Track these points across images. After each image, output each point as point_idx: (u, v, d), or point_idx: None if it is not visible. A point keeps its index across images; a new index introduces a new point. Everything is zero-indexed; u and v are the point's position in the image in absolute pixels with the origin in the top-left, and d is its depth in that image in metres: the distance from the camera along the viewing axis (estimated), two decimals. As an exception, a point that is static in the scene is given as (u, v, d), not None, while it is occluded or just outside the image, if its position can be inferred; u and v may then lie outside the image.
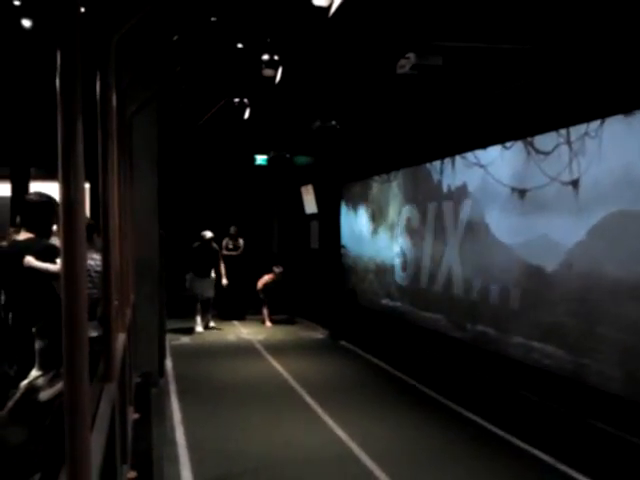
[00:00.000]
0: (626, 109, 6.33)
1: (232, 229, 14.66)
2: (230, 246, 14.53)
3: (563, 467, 5.61)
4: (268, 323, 13.78)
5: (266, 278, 13.95)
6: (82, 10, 2.13)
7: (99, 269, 3.98)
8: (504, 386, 7.83)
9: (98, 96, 3.70)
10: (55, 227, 4.67)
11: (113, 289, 3.71)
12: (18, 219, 5.12)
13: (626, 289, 6.26)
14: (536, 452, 5.97)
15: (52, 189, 5.24)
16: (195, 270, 13.16)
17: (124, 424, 4.34)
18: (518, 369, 7.90)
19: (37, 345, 4.06)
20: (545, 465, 5.70)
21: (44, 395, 3.77)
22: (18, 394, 3.58)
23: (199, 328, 13.03)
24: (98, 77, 3.69)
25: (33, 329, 4.16)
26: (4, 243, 5.06)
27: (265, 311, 13.84)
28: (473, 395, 7.79)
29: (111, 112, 3.91)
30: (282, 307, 14.31)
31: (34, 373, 4.02)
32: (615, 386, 6.40)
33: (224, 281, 13.41)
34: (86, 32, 2.25)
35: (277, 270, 14.00)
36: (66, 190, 1.94)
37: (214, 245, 13.50)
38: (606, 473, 5.44)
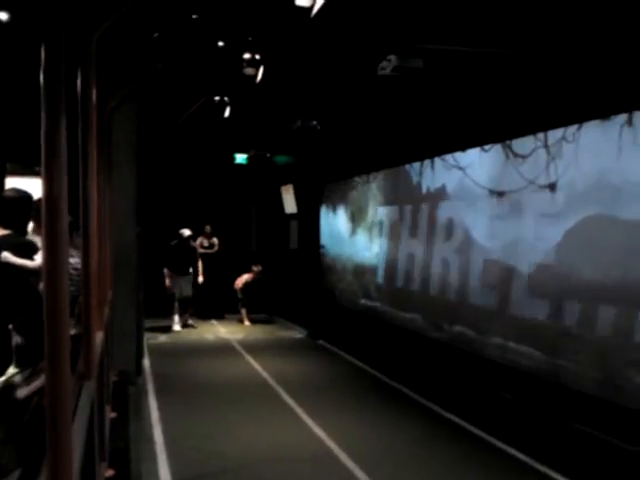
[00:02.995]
0: (603, 114, 6.43)
1: (207, 228, 14.63)
2: (205, 244, 14.49)
3: (541, 467, 5.68)
4: (247, 322, 13.76)
5: (245, 277, 13.93)
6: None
7: (79, 266, 3.95)
8: (481, 385, 7.90)
9: (79, 92, 3.68)
10: (31, 224, 4.63)
11: (93, 287, 3.69)
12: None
13: (601, 291, 6.35)
14: (513, 451, 6.05)
15: (28, 184, 5.19)
16: (173, 268, 13.11)
17: (102, 422, 4.31)
18: (495, 369, 7.98)
19: (14, 342, 4.02)
20: (522, 464, 5.77)
21: (21, 393, 3.73)
22: (-6, 392, 3.54)
23: (177, 327, 12.98)
24: (79, 73, 3.67)
25: (10, 326, 4.13)
26: None
27: (243, 310, 13.82)
28: (451, 394, 7.86)
29: (91, 108, 3.89)
30: (261, 307, 14.30)
31: (11, 370, 3.98)
32: (590, 386, 6.49)
33: (200, 279, 13.39)
34: (67, 28, 2.24)
35: (256, 269, 14.01)
36: (49, 187, 1.94)
37: (192, 243, 13.46)
38: (583, 472, 5.52)
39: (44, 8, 1.98)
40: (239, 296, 13.88)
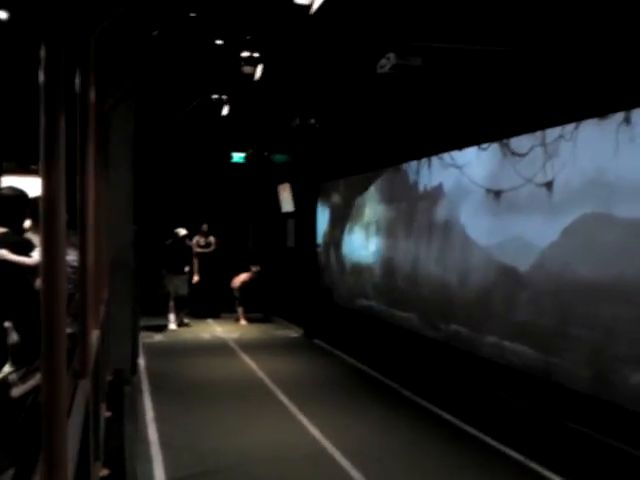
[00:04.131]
0: (600, 113, 6.44)
1: (204, 226, 14.61)
2: (202, 243, 14.47)
3: (533, 465, 5.69)
4: (243, 321, 13.75)
5: (243, 277, 13.91)
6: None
7: (75, 264, 3.93)
8: (476, 384, 7.91)
9: (77, 91, 3.67)
10: (28, 222, 4.61)
11: (89, 285, 3.68)
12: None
13: (598, 289, 6.36)
14: (506, 449, 6.06)
15: (24, 183, 5.17)
16: (168, 267, 13.10)
17: (97, 421, 4.30)
18: (490, 368, 7.99)
19: (10, 340, 4.00)
20: (515, 462, 5.78)
21: (16, 391, 3.72)
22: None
23: (172, 326, 12.95)
24: (78, 72, 3.66)
25: (5, 324, 4.11)
26: None
27: (240, 309, 13.81)
28: (445, 393, 7.86)
29: (90, 107, 3.88)
30: (257, 305, 14.28)
31: (7, 369, 3.97)
32: (584, 385, 6.50)
33: (195, 278, 13.38)
34: (66, 27, 2.24)
35: (254, 269, 13.95)
36: (47, 185, 1.93)
37: (188, 242, 13.45)
38: (576, 471, 5.53)
39: (44, 7, 1.98)
40: (236, 295, 13.86)
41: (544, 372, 7.13)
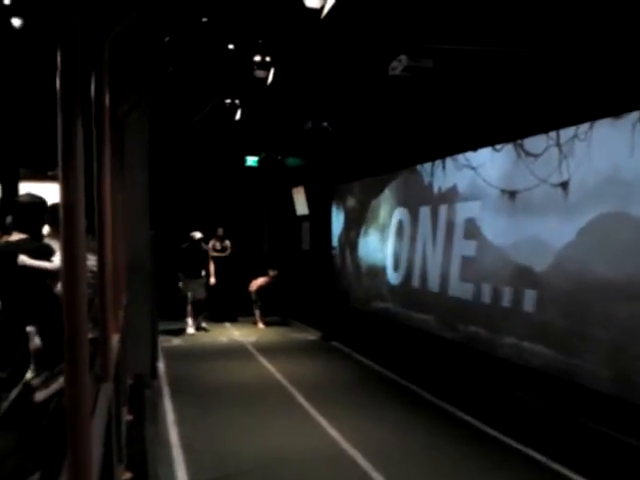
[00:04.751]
0: (615, 112, 6.40)
1: (219, 230, 14.67)
2: (217, 247, 14.52)
3: (556, 466, 5.66)
4: (260, 325, 13.79)
5: (260, 281, 13.96)
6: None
7: (94, 269, 3.97)
8: (495, 386, 7.87)
9: (93, 96, 3.71)
10: (47, 228, 4.67)
11: (109, 290, 3.71)
12: (9, 220, 5.10)
13: (615, 289, 6.32)
14: (529, 451, 6.03)
15: (41, 189, 5.23)
16: (185, 271, 13.15)
17: (119, 424, 4.34)
18: (509, 369, 7.95)
19: (33, 345, 4.05)
20: (537, 463, 5.75)
21: (39, 396, 3.76)
22: (13, 395, 3.57)
23: (190, 330, 13.01)
24: (93, 78, 3.70)
25: (28, 328, 4.16)
26: None
27: (257, 312, 13.85)
28: (465, 395, 7.84)
29: (105, 113, 3.92)
30: (274, 309, 14.31)
31: (29, 374, 4.01)
32: (604, 385, 6.46)
33: (212, 280, 13.41)
34: (81, 33, 2.27)
35: (272, 273, 13.99)
36: (66, 191, 1.95)
37: (203, 246, 13.49)
38: (598, 471, 5.49)
39: (59, 14, 2.00)
40: (253, 298, 13.90)
41: (563, 372, 7.08)
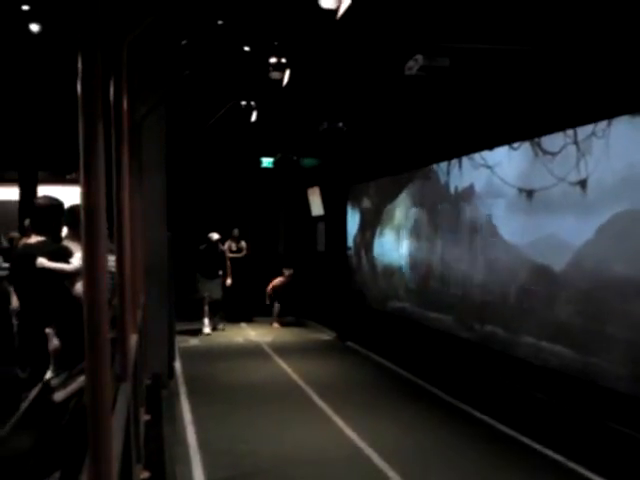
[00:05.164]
0: (632, 109, 6.35)
1: (235, 231, 14.74)
2: (233, 248, 14.59)
3: (573, 465, 5.64)
4: (275, 324, 13.85)
5: (276, 281, 14.07)
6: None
7: (113, 270, 4.02)
8: (512, 385, 7.84)
9: (112, 100, 3.75)
10: (65, 230, 4.72)
11: (127, 291, 3.75)
12: (27, 222, 5.16)
13: (634, 287, 6.27)
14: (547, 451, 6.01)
15: (60, 193, 5.30)
16: (202, 272, 13.24)
17: (137, 424, 4.38)
18: (526, 369, 7.91)
19: (52, 346, 4.11)
20: (554, 463, 5.73)
21: (59, 396, 3.80)
22: (32, 395, 3.62)
23: (207, 330, 13.07)
24: (112, 81, 3.74)
25: (46, 330, 4.21)
26: (5, 243, 5.07)
27: (275, 312, 13.95)
28: (481, 394, 7.81)
29: (123, 116, 3.96)
30: (289, 309, 14.35)
31: (48, 374, 4.07)
32: (622, 384, 6.41)
33: (228, 281, 13.49)
34: (100, 38, 2.30)
35: (287, 272, 14.11)
36: (87, 194, 1.99)
37: (221, 247, 13.57)
38: (616, 471, 5.46)
39: (78, 19, 2.03)
40: (271, 297, 14.01)
41: (581, 372, 7.04)
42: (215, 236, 13.34)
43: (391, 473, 5.53)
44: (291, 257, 16.21)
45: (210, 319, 13.18)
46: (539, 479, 5.52)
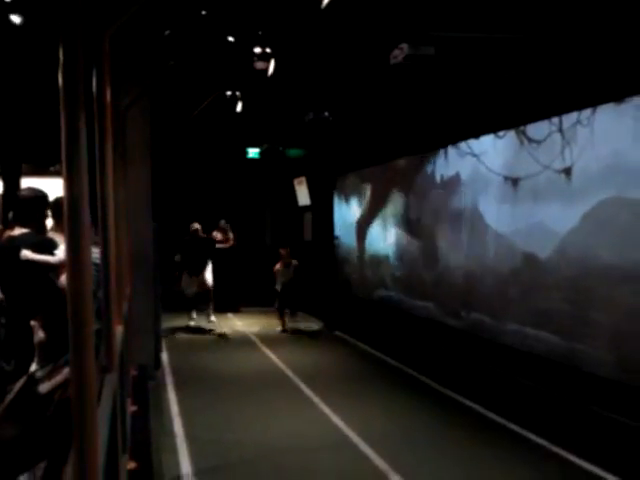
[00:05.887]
0: (617, 97, 6.40)
1: (221, 222, 14.65)
2: (219, 238, 14.51)
3: (557, 449, 5.71)
4: (288, 330, 12.28)
5: (277, 266, 12.76)
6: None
7: (97, 262, 4.00)
8: (498, 372, 7.91)
9: (94, 91, 3.72)
10: (50, 222, 4.69)
11: (112, 282, 3.74)
12: (10, 215, 5.12)
13: (618, 273, 6.34)
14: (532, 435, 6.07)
15: (44, 185, 5.26)
16: (188, 268, 12.86)
17: (124, 414, 4.38)
18: (512, 356, 7.98)
19: (37, 338, 4.09)
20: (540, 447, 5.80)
21: (43, 387, 3.79)
22: (17, 387, 3.61)
23: (193, 322, 13.03)
24: (94, 72, 3.71)
25: (31, 322, 4.19)
26: None
27: (287, 318, 12.42)
28: (467, 381, 7.87)
29: (106, 107, 3.93)
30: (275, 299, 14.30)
31: (33, 366, 4.05)
32: (607, 370, 6.49)
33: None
34: (82, 28, 2.28)
35: (283, 252, 12.98)
36: (70, 186, 1.97)
37: (203, 235, 13.26)
38: (600, 453, 5.53)
39: (59, 9, 2.01)
40: (277, 302, 12.62)
41: (566, 358, 7.11)
42: (196, 225, 13.11)
43: (378, 461, 5.57)
44: (278, 247, 16.18)
45: (198, 310, 13.11)
46: (525, 464, 5.57)
